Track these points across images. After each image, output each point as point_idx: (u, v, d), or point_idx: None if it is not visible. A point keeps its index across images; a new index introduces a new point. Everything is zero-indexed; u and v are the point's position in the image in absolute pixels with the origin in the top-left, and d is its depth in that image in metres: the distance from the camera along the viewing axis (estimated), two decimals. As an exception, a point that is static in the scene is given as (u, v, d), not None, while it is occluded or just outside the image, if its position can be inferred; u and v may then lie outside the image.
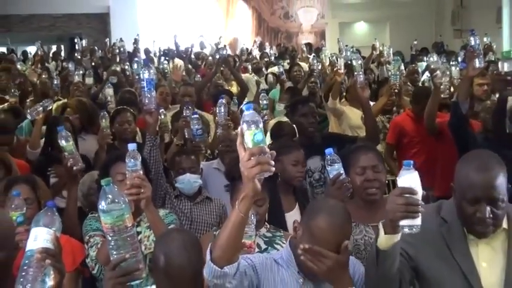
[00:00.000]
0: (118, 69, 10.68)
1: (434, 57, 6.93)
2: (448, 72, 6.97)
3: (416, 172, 2.27)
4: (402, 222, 2.24)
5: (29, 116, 6.11)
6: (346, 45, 13.84)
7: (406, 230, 2.25)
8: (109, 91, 6.54)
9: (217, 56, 11.13)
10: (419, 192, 2.25)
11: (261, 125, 2.18)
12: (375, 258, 2.36)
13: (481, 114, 5.45)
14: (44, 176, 4.72)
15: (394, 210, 2.24)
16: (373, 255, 2.38)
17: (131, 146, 3.19)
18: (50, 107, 6.23)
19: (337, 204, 2.75)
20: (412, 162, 2.29)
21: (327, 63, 10.45)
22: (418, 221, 2.24)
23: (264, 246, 3.32)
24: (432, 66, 6.47)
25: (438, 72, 6.08)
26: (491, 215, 2.46)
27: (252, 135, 2.16)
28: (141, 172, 3.23)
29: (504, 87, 4.68)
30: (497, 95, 5.99)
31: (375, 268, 2.37)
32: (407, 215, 2.22)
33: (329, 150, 3.44)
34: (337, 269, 2.51)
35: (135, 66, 8.91)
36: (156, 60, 13.38)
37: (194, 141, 5.23)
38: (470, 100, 5.43)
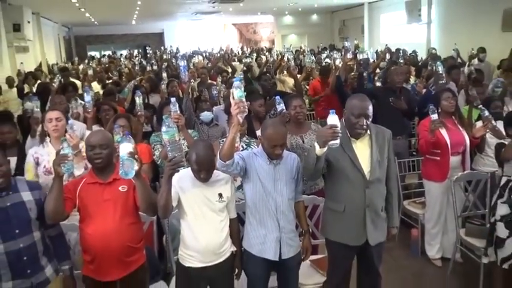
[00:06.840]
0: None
1: (336, 54, 6.95)
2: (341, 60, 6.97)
3: (337, 116, 2.21)
4: (329, 142, 2.21)
5: (126, 88, 6.18)
6: (284, 46, 13.73)
7: (331, 146, 2.22)
8: (164, 76, 6.42)
9: (218, 54, 11.15)
10: (339, 126, 2.20)
11: (242, 88, 2.13)
12: (314, 160, 2.32)
13: (349, 80, 5.53)
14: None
15: (326, 136, 2.19)
16: (313, 158, 2.33)
17: (172, 99, 3.19)
18: (136, 83, 6.24)
19: (277, 121, 2.70)
20: (334, 110, 2.22)
21: (275, 56, 10.35)
22: (337, 141, 2.20)
23: (245, 147, 3.24)
24: (334, 56, 6.60)
25: (338, 60, 6.25)
26: (365, 125, 2.44)
27: (236, 93, 2.10)
28: (178, 111, 3.22)
29: (359, 67, 4.85)
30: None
31: (314, 165, 2.34)
32: (332, 139, 2.19)
33: (277, 97, 3.47)
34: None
35: (179, 59, 8.73)
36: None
37: (213, 100, 5.08)
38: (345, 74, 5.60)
